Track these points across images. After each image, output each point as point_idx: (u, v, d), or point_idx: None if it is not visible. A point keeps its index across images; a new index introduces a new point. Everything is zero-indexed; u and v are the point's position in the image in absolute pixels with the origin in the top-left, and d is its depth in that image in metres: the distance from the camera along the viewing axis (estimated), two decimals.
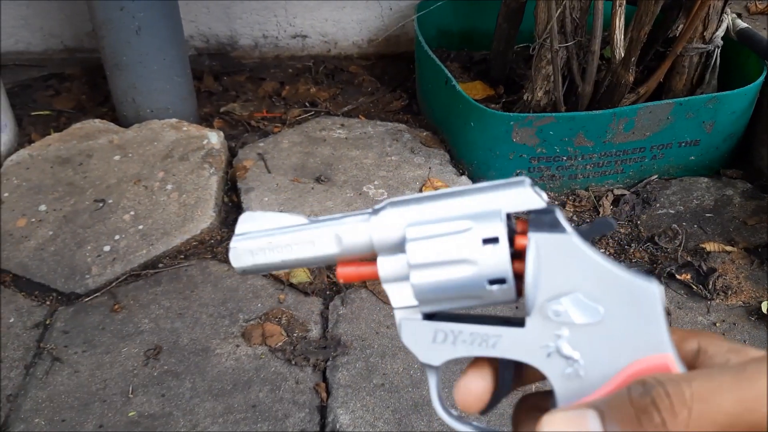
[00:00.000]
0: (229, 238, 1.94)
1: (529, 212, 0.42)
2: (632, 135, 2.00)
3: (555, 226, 0.40)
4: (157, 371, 1.58)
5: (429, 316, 0.44)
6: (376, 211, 0.45)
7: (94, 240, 1.88)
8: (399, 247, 0.43)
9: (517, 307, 0.43)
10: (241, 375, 1.57)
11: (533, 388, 0.47)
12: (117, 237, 1.89)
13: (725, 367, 0.38)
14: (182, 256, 1.88)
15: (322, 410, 1.51)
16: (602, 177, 2.09)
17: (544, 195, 0.42)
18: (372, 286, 1.79)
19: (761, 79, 2.01)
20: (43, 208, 1.97)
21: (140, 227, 1.91)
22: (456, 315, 0.44)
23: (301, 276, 1.81)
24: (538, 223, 0.41)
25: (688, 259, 1.82)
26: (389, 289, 0.44)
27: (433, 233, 0.42)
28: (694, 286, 1.76)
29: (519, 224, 0.43)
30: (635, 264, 1.85)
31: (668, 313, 1.71)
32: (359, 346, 1.63)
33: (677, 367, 0.39)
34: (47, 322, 1.71)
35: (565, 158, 2.02)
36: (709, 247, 1.85)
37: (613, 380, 0.40)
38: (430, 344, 0.44)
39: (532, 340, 0.41)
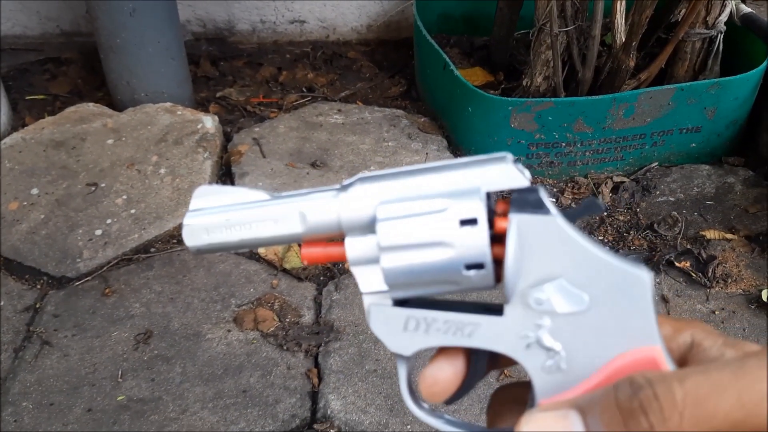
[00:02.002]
0: None
1: (511, 191, 0.39)
2: (632, 121, 1.97)
3: (538, 207, 0.37)
4: (147, 356, 1.57)
5: (400, 302, 0.41)
6: (344, 187, 0.41)
7: (86, 224, 1.86)
8: (369, 227, 0.40)
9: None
10: (232, 360, 1.56)
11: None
12: (109, 221, 1.87)
13: (722, 362, 0.33)
14: (175, 241, 1.86)
15: (314, 396, 1.49)
16: (602, 164, 2.06)
17: (527, 172, 0.39)
18: None
19: (765, 64, 1.98)
20: (35, 191, 1.95)
21: (133, 211, 1.89)
22: (429, 301, 0.41)
23: (294, 261, 1.79)
24: (521, 203, 0.38)
25: (688, 246, 1.80)
26: (357, 272, 0.41)
27: (407, 213, 0.39)
28: (693, 274, 1.73)
29: (499, 204, 0.39)
30: (634, 251, 1.82)
31: (666, 301, 1.69)
32: (352, 332, 1.61)
33: (665, 362, 0.37)
34: (37, 306, 1.69)
35: (564, 144, 1.99)
36: (709, 234, 1.82)
37: (597, 374, 0.37)
38: (401, 332, 0.41)
39: (511, 329, 0.38)
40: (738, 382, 0.31)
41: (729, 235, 1.82)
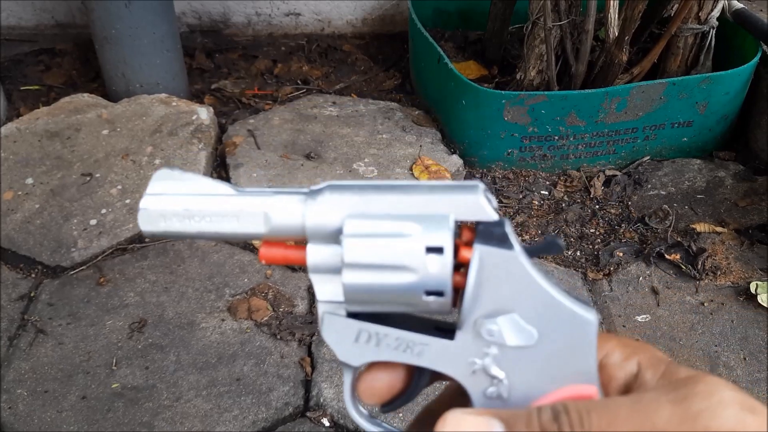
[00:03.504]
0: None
1: (478, 222, 0.39)
2: (625, 115, 1.98)
3: (503, 241, 0.38)
4: (142, 344, 1.57)
5: (354, 314, 0.41)
6: (313, 193, 0.41)
7: (81, 214, 1.87)
8: (333, 237, 0.40)
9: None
10: (226, 349, 1.57)
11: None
12: (104, 211, 1.87)
13: (626, 396, 0.37)
14: None
15: (307, 384, 1.50)
16: (594, 157, 2.07)
17: (495, 203, 0.40)
18: None
19: (756, 59, 2.00)
20: (30, 181, 1.96)
21: (127, 201, 1.89)
22: (382, 315, 0.41)
23: None
24: (486, 235, 0.38)
25: (678, 239, 1.82)
26: (316, 279, 0.41)
27: (374, 232, 0.39)
28: (683, 266, 1.75)
29: (464, 231, 0.40)
30: (625, 244, 1.84)
31: (656, 293, 1.70)
32: None
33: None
34: (32, 295, 1.70)
35: (556, 138, 2.01)
36: (700, 227, 1.84)
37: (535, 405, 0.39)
38: (352, 343, 0.41)
39: (460, 354, 0.39)
40: (633, 415, 0.35)
41: (719, 229, 1.84)
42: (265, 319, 1.63)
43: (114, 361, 1.53)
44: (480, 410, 0.38)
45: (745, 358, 1.56)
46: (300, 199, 0.40)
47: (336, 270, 0.40)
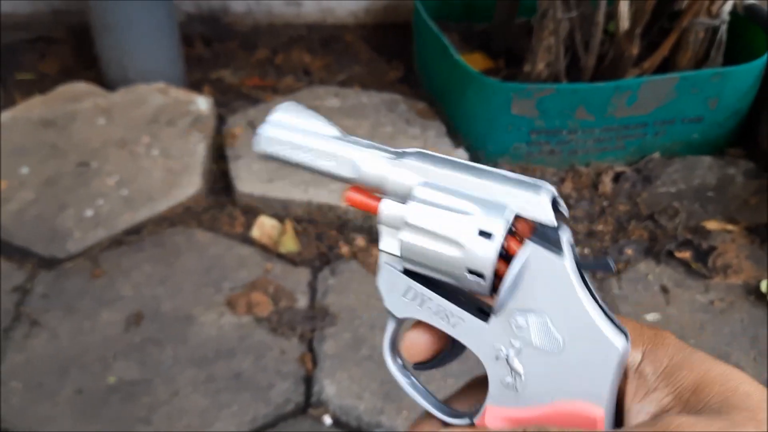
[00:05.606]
0: (215, 207, 1.89)
1: (538, 222, 0.41)
2: (635, 109, 1.94)
3: (555, 245, 0.40)
4: (138, 338, 1.53)
5: (409, 273, 0.44)
6: (401, 155, 0.44)
7: (77, 204, 1.82)
8: (405, 197, 0.43)
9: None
10: (225, 344, 1.53)
11: None
12: (100, 201, 1.83)
13: None
14: (167, 223, 1.82)
15: (308, 381, 1.46)
16: (603, 153, 2.03)
17: (565, 210, 0.40)
18: (362, 258, 1.74)
19: (767, 55, 1.95)
20: (25, 170, 1.91)
21: (124, 192, 1.85)
22: (434, 280, 0.44)
23: (289, 245, 1.76)
24: (542, 235, 0.40)
25: (688, 237, 1.78)
26: (383, 230, 0.44)
27: (439, 202, 0.42)
28: (693, 265, 1.71)
29: (522, 227, 0.41)
30: (634, 242, 1.80)
31: (666, 291, 1.67)
32: (347, 317, 1.59)
33: (602, 425, 0.40)
34: (27, 286, 1.65)
35: (564, 132, 1.97)
36: (710, 225, 1.80)
37: (543, 407, 0.41)
38: (400, 296, 0.45)
39: (489, 337, 0.42)
40: None
41: (729, 226, 1.80)
42: (265, 314, 1.59)
43: (112, 354, 1.49)
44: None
45: (755, 359, 1.53)
46: (389, 158, 0.44)
47: (400, 227, 0.43)
